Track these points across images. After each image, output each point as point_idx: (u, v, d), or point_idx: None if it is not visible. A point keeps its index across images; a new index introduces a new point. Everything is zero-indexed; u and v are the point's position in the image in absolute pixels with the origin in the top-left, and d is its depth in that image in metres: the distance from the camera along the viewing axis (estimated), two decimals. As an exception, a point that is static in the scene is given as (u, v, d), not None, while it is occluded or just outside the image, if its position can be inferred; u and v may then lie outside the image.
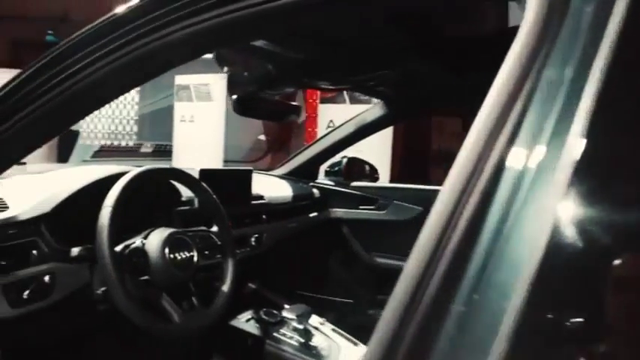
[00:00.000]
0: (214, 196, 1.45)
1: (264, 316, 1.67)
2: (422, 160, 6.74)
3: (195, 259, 1.30)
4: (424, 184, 2.35)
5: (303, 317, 1.58)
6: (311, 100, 5.43)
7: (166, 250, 1.23)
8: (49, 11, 6.86)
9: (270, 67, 1.37)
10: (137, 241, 1.23)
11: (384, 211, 2.23)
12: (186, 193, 1.58)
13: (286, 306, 1.72)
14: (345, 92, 4.77)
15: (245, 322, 1.66)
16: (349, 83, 1.63)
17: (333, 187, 2.35)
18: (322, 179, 2.44)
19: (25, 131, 0.88)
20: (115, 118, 6.80)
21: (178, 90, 5.51)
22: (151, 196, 1.50)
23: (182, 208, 1.59)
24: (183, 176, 1.44)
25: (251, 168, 1.86)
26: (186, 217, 1.58)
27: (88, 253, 1.19)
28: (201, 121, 5.33)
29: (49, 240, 1.19)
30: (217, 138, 5.20)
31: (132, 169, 1.35)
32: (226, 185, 1.67)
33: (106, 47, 0.82)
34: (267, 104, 1.63)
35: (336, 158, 2.43)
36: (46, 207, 1.21)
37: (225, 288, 1.38)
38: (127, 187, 1.22)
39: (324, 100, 5.03)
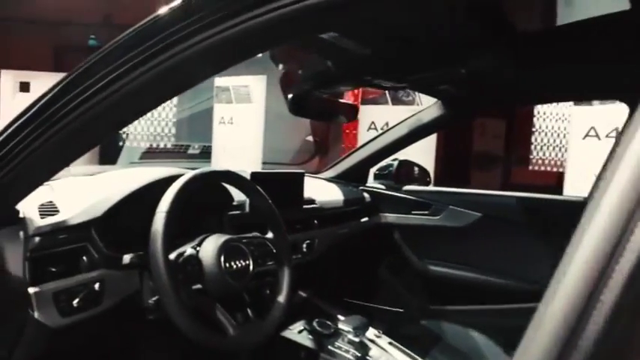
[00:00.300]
0: (269, 201, 1.37)
1: (317, 328, 1.58)
2: (463, 162, 6.57)
3: (251, 267, 1.23)
4: (465, 188, 2.23)
5: (359, 329, 1.49)
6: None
7: (222, 258, 1.16)
8: (91, 16, 6.98)
9: (330, 63, 1.29)
10: (191, 249, 1.17)
11: (438, 217, 2.12)
12: (238, 197, 1.51)
13: (340, 317, 1.63)
14: (387, 93, 4.67)
15: (297, 333, 1.58)
16: (412, 81, 1.54)
17: (384, 191, 2.25)
18: (372, 183, 2.34)
19: (66, 141, 0.82)
20: (154, 120, 6.86)
21: (218, 92, 5.52)
22: (204, 200, 1.44)
23: (234, 212, 1.52)
24: (237, 179, 1.36)
25: (303, 171, 1.78)
26: (238, 223, 1.51)
27: (140, 261, 1.13)
28: (240, 122, 5.31)
29: (99, 246, 1.14)
30: (256, 140, 5.17)
31: (183, 172, 1.28)
32: (278, 188, 1.59)
33: (148, 51, 0.76)
34: (322, 103, 1.55)
35: (387, 161, 2.33)
36: (98, 211, 1.16)
37: (282, 299, 1.30)
38: (182, 191, 1.16)
39: (364, 102, 4.93)
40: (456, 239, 2.11)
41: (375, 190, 2.26)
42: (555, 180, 5.65)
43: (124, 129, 5.42)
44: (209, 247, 1.17)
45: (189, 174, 1.21)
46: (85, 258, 1.12)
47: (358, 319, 1.53)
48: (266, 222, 1.38)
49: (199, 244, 1.18)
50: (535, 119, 6.23)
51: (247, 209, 1.55)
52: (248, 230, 1.40)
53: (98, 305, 1.12)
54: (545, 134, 6.17)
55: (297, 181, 1.75)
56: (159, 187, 1.18)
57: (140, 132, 6.83)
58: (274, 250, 1.35)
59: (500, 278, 2.03)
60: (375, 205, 2.22)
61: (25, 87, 5.93)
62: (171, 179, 1.20)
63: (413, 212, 2.17)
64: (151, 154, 6.15)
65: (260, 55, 0.99)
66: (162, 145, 6.62)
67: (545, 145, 6.18)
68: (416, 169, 2.36)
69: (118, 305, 1.15)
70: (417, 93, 4.47)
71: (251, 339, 1.19)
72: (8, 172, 0.86)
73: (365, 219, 2.15)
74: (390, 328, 2.03)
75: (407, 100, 4.59)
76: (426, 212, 2.14)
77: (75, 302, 1.07)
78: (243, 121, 5.31)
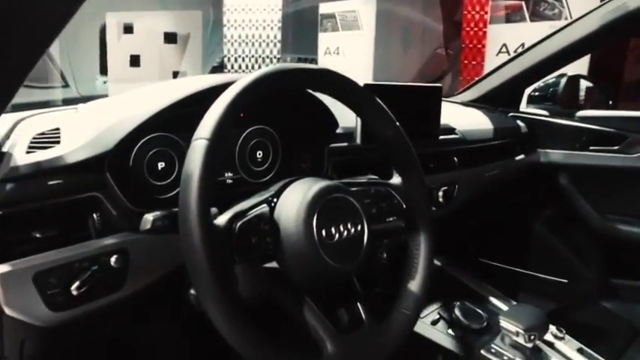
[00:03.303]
0: (397, 124, 0.83)
1: (461, 317, 1.07)
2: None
3: (366, 236, 0.71)
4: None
5: (533, 330, 0.95)
6: (468, 29, 4.54)
7: (314, 222, 0.65)
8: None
9: None
10: (259, 205, 0.66)
11: (632, 155, 1.46)
12: (343, 119, 1.01)
13: (502, 306, 1.11)
14: (524, 7, 3.83)
15: (430, 325, 1.08)
16: None
17: (546, 119, 1.62)
18: (527, 108, 1.72)
19: None
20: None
21: (322, 19, 4.99)
22: (283, 123, 0.95)
23: (337, 145, 1.02)
24: (339, 85, 0.77)
25: (440, 85, 1.22)
26: (344, 161, 1.01)
27: (170, 223, 0.68)
28: (347, 52, 4.76)
29: (118, 196, 0.71)
30: (366, 71, 4.59)
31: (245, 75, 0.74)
32: (404, 109, 1.00)
33: None
34: None
35: (547, 79, 1.69)
36: (110, 140, 0.72)
37: (416, 286, 0.78)
38: (238, 105, 0.64)
39: (493, 20, 4.12)
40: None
41: (532, 117, 1.64)
42: None
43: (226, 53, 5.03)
44: (293, 202, 0.66)
45: (251, 74, 0.68)
46: (96, 216, 0.70)
47: (530, 312, 0.99)
48: (391, 159, 0.85)
49: (276, 196, 0.69)
50: None
51: (358, 139, 1.04)
52: (358, 172, 0.89)
53: (116, 291, 0.70)
54: None
55: (432, 99, 1.20)
56: (205, 99, 0.67)
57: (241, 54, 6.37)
58: (404, 205, 0.83)
59: None
60: (533, 138, 1.61)
61: (128, 29, 5.80)
62: (227, 87, 0.67)
63: (592, 148, 1.53)
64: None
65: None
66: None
67: None
68: (592, 87, 1.69)
69: (146, 291, 0.72)
70: (565, 4, 3.59)
71: (363, 358, 0.69)
72: None
73: (520, 157, 1.56)
74: (547, 305, 1.48)
75: (551, 14, 3.71)
76: (614, 148, 1.49)
77: (74, 287, 0.65)
78: (351, 51, 4.74)
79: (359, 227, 0.70)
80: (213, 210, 0.65)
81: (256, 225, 0.63)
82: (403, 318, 0.75)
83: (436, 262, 1.34)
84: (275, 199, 0.68)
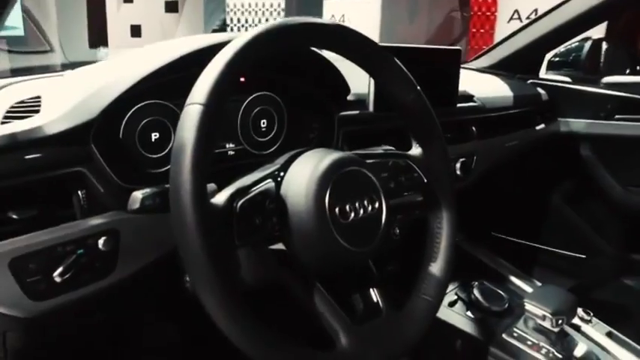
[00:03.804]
0: (418, 88, 0.74)
1: (480, 298, 1.00)
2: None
3: (384, 215, 0.63)
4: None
5: (561, 314, 0.88)
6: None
7: (327, 198, 0.57)
8: None
9: None
10: (263, 179, 0.58)
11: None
12: (356, 84, 0.92)
13: (523, 286, 1.03)
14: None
15: (447, 307, 1.01)
16: None
17: (569, 86, 1.53)
18: (547, 74, 1.62)
19: None
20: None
21: (327, -15, 4.83)
22: (288, 89, 0.87)
23: (349, 112, 0.93)
24: (351, 41, 0.66)
25: (459, 47, 1.12)
26: (357, 130, 0.93)
27: (163, 201, 0.60)
28: (354, 19, 4.61)
29: (105, 171, 0.64)
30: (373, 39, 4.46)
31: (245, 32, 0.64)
32: (420, 73, 0.90)
33: None
34: None
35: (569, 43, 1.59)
36: (94, 108, 0.63)
37: (438, 270, 0.70)
38: (237, 65, 0.54)
39: (505, -15, 3.96)
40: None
41: (553, 84, 1.54)
42: None
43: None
44: (303, 176, 0.58)
45: (251, 30, 0.57)
46: (79, 194, 0.63)
47: (557, 294, 0.91)
48: (410, 128, 0.75)
49: (283, 170, 0.60)
50: None
51: (371, 106, 0.96)
52: (371, 144, 0.80)
53: (105, 276, 0.62)
54: None
55: (450, 63, 1.10)
56: (207, 59, 0.56)
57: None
58: (425, 179, 0.75)
59: None
60: (554, 107, 1.52)
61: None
62: (223, 46, 0.57)
63: (617, 117, 1.43)
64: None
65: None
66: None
67: None
68: (618, 51, 1.59)
69: (138, 276, 0.65)
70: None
71: (381, 352, 0.61)
72: None
73: (540, 126, 1.47)
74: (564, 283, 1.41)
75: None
76: (641, 117, 1.40)
77: (57, 274, 0.58)
78: (357, 18, 4.60)
79: (376, 204, 0.62)
80: (211, 186, 0.57)
81: (260, 203, 0.55)
82: (424, 305, 0.67)
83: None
84: (282, 173, 0.60)
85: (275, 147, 0.86)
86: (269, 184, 0.58)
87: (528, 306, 0.89)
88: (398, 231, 1.14)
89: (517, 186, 1.60)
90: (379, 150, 0.75)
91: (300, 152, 0.63)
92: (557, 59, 1.60)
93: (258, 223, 0.55)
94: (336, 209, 0.57)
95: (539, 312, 0.87)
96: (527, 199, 1.62)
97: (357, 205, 0.60)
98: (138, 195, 0.60)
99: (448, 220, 0.73)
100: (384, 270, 0.95)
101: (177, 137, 0.49)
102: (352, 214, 0.59)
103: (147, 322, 0.89)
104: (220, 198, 0.52)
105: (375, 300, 0.66)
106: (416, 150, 0.75)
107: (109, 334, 0.84)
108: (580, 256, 1.58)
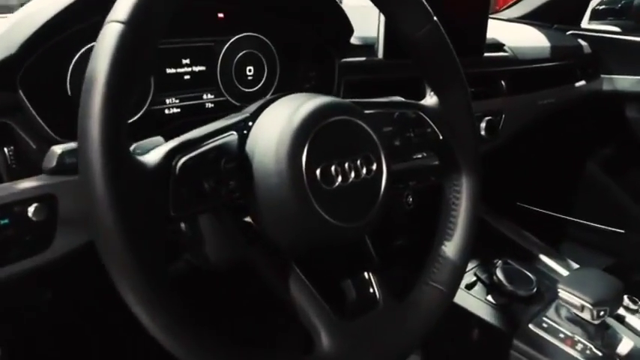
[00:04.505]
0: (436, 21, 0.59)
1: (504, 280, 0.86)
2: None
3: (384, 181, 0.49)
4: None
5: (603, 305, 0.73)
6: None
7: (304, 156, 0.43)
8: None
9: None
10: (218, 134, 0.44)
11: None
12: (362, 25, 0.78)
13: (556, 267, 0.89)
14: None
15: (464, 290, 0.88)
16: None
17: (616, 37, 1.34)
18: (590, 24, 1.43)
19: None
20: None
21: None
22: (280, 30, 0.73)
23: (353, 59, 0.79)
24: None
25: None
26: (361, 82, 0.79)
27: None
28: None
29: (36, 122, 0.52)
30: None
31: None
32: (441, 17, 0.75)
33: None
34: None
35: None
36: (11, 43, 0.50)
37: (453, 251, 0.57)
38: None
39: None
40: None
41: (598, 35, 1.35)
42: None
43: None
44: (275, 125, 0.45)
45: None
46: (5, 152, 0.51)
47: (599, 279, 0.76)
48: (424, 70, 0.60)
49: (251, 120, 0.47)
50: None
51: (380, 52, 0.81)
52: (378, 96, 0.65)
53: (39, 252, 0.50)
54: None
55: (476, 4, 0.94)
56: None
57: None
58: (440, 136, 0.60)
59: None
60: (598, 61, 1.33)
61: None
62: None
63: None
64: None
65: None
66: None
67: None
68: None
69: (82, 252, 0.53)
70: None
71: (374, 357, 0.48)
72: None
73: (580, 83, 1.29)
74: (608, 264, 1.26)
75: None
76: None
77: None
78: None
79: (374, 166, 0.48)
80: (158, 140, 0.44)
81: (213, 162, 0.42)
82: (434, 295, 0.54)
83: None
84: (250, 124, 0.46)
85: (250, 91, 0.73)
86: (229, 137, 0.44)
87: (563, 293, 0.75)
88: (411, 199, 1.00)
89: (549, 150, 1.44)
90: (384, 99, 0.60)
91: (277, 97, 0.49)
92: (603, 7, 1.41)
93: (208, 188, 0.41)
94: (317, 171, 0.44)
95: (577, 301, 0.73)
96: (559, 166, 1.46)
97: (346, 166, 0.46)
98: (56, 150, 0.48)
99: (469, 190, 0.59)
100: (392, 245, 0.81)
101: (88, 67, 0.36)
102: (339, 179, 0.45)
103: (96, 306, 0.78)
104: (154, 155, 0.39)
105: (370, 288, 0.52)
106: (430, 99, 0.61)
107: (53, 321, 0.73)
108: (618, 230, 1.43)
